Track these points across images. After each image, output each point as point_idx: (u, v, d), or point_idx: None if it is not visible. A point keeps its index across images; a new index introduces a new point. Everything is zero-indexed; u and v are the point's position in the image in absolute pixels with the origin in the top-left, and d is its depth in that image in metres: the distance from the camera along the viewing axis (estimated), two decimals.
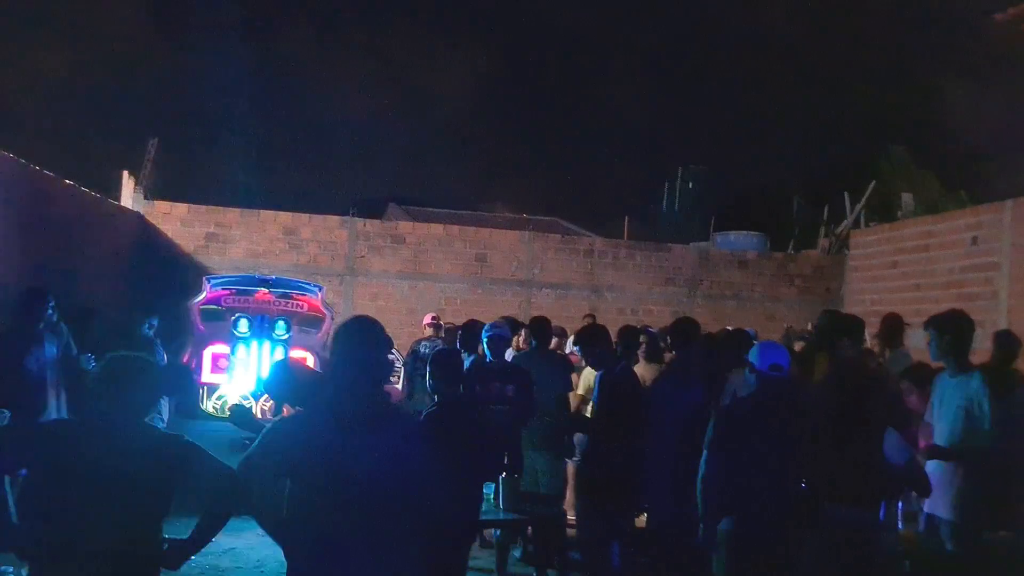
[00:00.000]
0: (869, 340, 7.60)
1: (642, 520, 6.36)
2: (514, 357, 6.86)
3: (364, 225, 13.38)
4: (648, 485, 5.44)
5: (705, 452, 4.25)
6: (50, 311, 6.46)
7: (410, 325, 12.50)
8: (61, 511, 2.89)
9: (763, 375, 4.21)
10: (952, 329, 4.81)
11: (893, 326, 6.90)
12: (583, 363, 6.95)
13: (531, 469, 6.21)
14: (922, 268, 12.16)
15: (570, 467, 7.44)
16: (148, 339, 7.79)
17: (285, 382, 4.54)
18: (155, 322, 7.95)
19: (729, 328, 8.06)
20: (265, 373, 8.17)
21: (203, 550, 6.46)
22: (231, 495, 3.04)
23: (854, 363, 5.30)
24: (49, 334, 6.50)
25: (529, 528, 6.15)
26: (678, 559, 5.01)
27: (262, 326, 8.35)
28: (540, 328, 6.80)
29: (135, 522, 2.93)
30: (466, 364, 6.58)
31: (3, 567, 5.73)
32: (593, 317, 11.22)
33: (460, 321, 8.22)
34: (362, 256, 13.09)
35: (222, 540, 7.19)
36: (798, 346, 7.43)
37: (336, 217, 13.38)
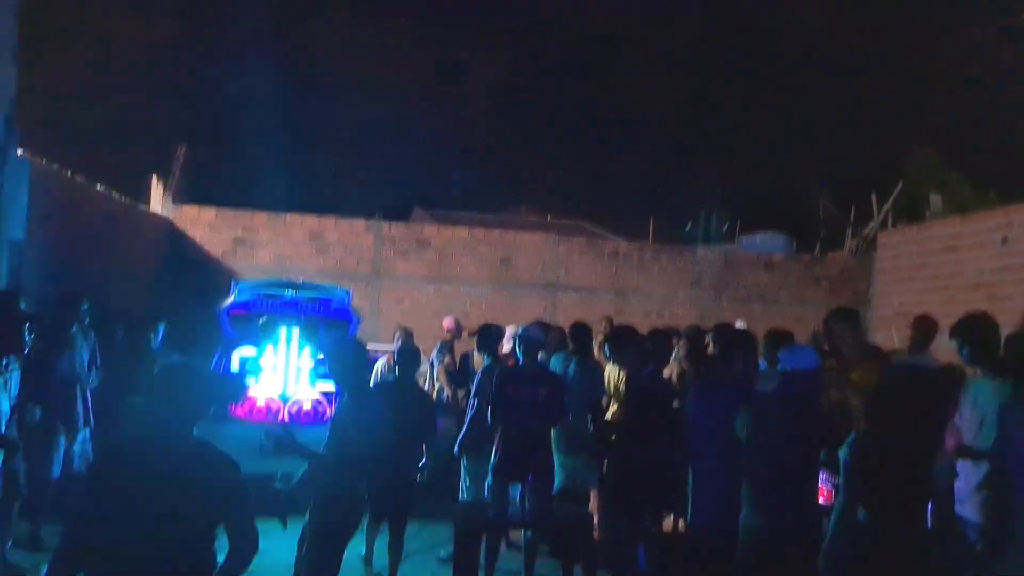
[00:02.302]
0: (898, 340, 7.56)
1: (669, 523, 6.36)
2: (552, 359, 6.93)
3: (390, 229, 13.46)
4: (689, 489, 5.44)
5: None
6: (84, 314, 6.60)
7: (436, 328, 12.51)
8: (107, 528, 2.93)
9: (787, 373, 4.27)
10: (972, 338, 4.76)
11: (927, 328, 6.84)
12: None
13: (562, 471, 6.23)
14: (951, 269, 12.03)
15: None
16: (157, 351, 7.61)
17: (350, 355, 4.67)
18: (161, 329, 7.76)
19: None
20: (295, 374, 8.33)
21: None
22: (248, 558, 3.14)
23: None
24: (80, 338, 6.62)
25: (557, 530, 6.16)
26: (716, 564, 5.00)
27: (290, 330, 8.43)
28: (580, 333, 6.86)
29: (183, 540, 2.96)
30: (485, 364, 6.67)
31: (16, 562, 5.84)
32: (610, 320, 11.23)
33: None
34: (388, 260, 13.17)
35: None
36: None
37: (362, 221, 13.47)
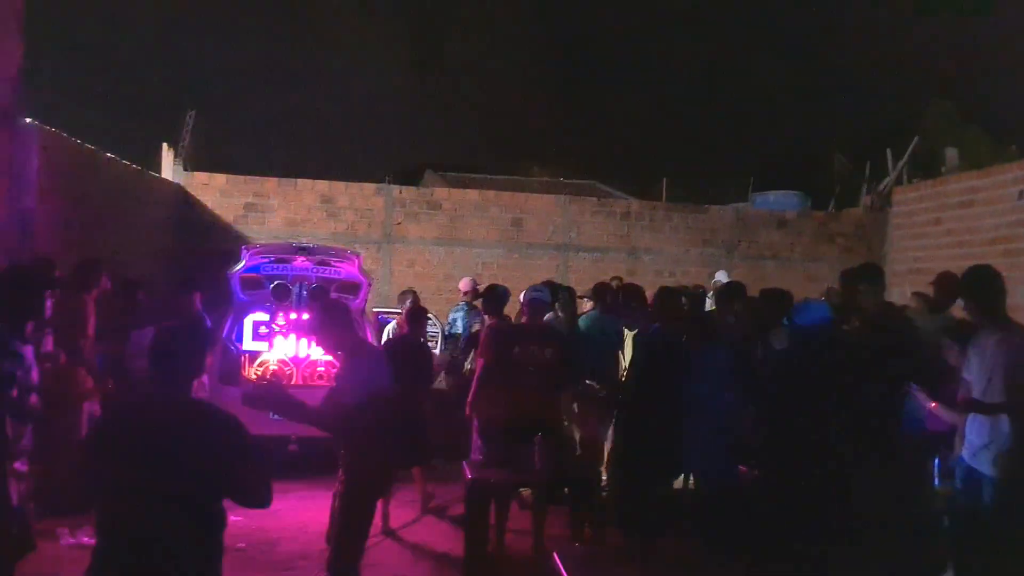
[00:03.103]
0: (912, 299, 7.49)
1: (679, 482, 6.40)
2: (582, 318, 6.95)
3: (400, 192, 13.42)
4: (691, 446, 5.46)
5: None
6: (104, 282, 6.64)
7: (447, 291, 12.57)
8: (114, 489, 2.97)
9: (799, 329, 4.26)
10: (975, 292, 4.72)
11: (948, 285, 6.75)
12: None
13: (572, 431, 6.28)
14: (967, 225, 11.88)
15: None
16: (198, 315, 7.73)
17: (331, 320, 4.59)
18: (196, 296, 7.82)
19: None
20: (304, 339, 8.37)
21: (250, 511, 6.62)
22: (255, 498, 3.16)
23: (882, 316, 5.20)
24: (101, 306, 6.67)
25: (566, 489, 6.20)
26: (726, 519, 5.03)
27: (300, 293, 8.46)
28: (600, 292, 6.88)
29: (188, 500, 2.97)
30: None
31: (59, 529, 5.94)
32: (620, 280, 11.21)
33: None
34: (399, 223, 13.16)
35: None
36: None
37: (372, 185, 13.44)
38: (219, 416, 3.10)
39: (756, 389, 4.68)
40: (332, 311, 4.70)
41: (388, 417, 4.45)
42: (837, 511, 3.96)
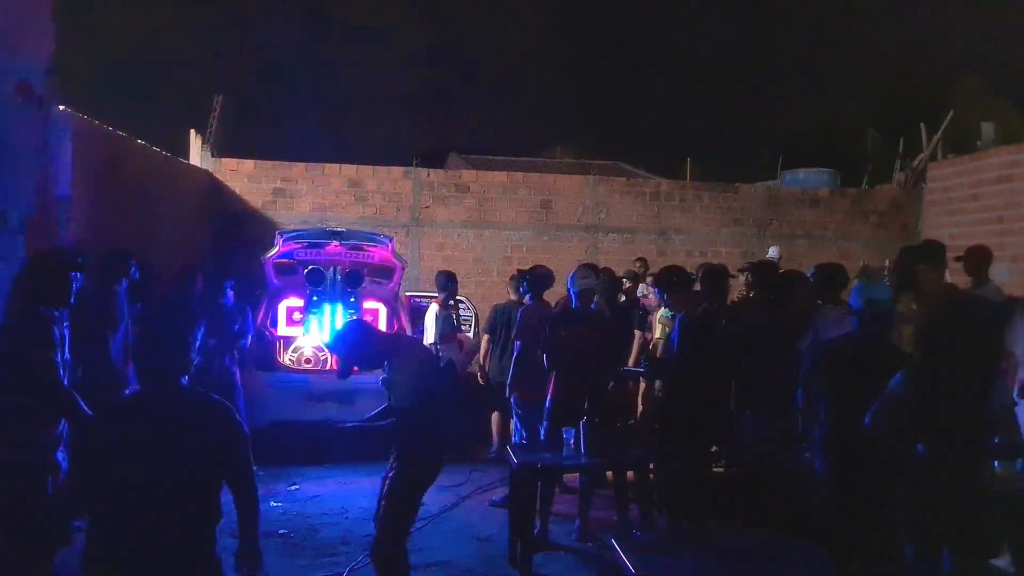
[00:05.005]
0: (950, 276, 7.33)
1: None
2: None
3: (428, 175, 13.36)
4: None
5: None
6: (133, 272, 6.59)
7: (477, 274, 12.53)
8: (109, 491, 2.92)
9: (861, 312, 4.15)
10: None
11: (980, 259, 6.62)
12: (659, 307, 6.87)
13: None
14: (1005, 200, 11.66)
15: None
16: (228, 308, 7.66)
17: (354, 344, 4.48)
18: (231, 285, 7.76)
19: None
20: (338, 326, 8.33)
21: (291, 498, 6.61)
22: (256, 503, 3.18)
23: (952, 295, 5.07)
24: (130, 296, 6.62)
25: (610, 473, 6.16)
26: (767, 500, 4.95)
27: (335, 278, 8.42)
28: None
29: (185, 490, 2.93)
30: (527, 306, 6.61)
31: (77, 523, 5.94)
32: (644, 260, 11.11)
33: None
34: (427, 206, 13.10)
35: (307, 487, 7.40)
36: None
37: (400, 168, 13.38)
38: (210, 402, 3.09)
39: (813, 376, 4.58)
40: (353, 333, 4.54)
41: (444, 406, 4.43)
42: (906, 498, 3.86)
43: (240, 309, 7.78)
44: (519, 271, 8.04)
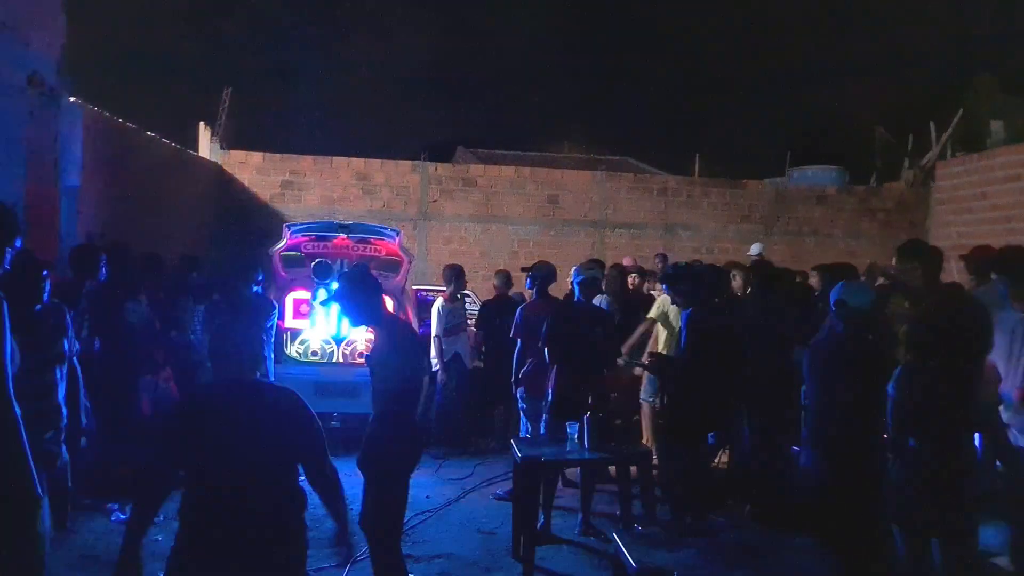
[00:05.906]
0: (955, 274, 7.33)
1: (726, 457, 6.37)
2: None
3: (436, 169, 13.39)
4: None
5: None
6: (102, 270, 6.46)
7: (483, 268, 12.57)
8: (199, 472, 3.03)
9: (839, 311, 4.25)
10: (1012, 268, 4.60)
11: (982, 258, 6.61)
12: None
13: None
14: (1014, 199, 11.64)
15: (645, 407, 7.46)
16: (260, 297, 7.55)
17: (350, 287, 4.31)
18: (261, 277, 7.59)
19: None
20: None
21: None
22: (340, 491, 3.26)
23: (949, 293, 5.09)
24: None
25: (613, 467, 6.18)
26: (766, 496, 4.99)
27: (342, 271, 8.44)
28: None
29: (267, 480, 3.02)
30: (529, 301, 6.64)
31: (109, 504, 6.00)
32: (665, 256, 11.10)
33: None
34: (435, 200, 13.14)
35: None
36: (880, 282, 7.23)
37: (408, 162, 13.42)
38: (283, 392, 3.18)
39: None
40: (358, 281, 4.34)
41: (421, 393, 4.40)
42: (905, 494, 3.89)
43: (268, 300, 7.77)
44: (501, 271, 8.51)
